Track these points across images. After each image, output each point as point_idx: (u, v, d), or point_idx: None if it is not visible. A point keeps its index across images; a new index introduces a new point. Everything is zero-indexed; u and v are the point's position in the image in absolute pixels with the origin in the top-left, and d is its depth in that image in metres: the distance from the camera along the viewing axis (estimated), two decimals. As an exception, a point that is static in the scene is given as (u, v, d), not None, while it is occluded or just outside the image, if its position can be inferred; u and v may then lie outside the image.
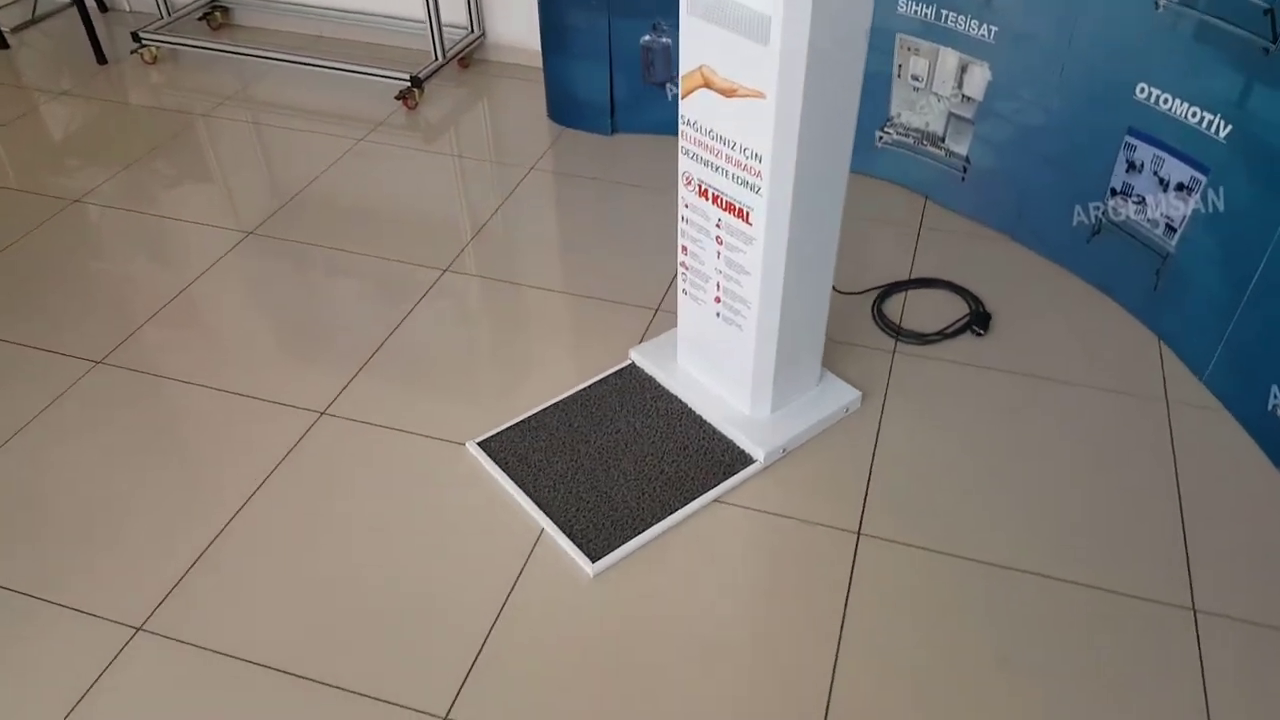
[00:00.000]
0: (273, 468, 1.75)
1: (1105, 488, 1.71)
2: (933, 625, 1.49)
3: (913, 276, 2.23)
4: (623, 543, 1.60)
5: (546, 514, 1.65)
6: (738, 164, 1.51)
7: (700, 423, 1.83)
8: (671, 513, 1.66)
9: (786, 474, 1.74)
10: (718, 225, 1.64)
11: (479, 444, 1.79)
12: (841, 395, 1.86)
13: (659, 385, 1.91)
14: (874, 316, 2.11)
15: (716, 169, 1.56)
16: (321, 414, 1.87)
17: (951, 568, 1.57)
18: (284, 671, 1.42)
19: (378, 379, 1.95)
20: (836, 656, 1.44)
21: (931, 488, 1.71)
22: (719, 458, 1.76)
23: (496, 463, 1.75)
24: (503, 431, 1.82)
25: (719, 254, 1.67)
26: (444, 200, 2.54)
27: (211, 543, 1.62)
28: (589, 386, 1.92)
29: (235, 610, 1.51)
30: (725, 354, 1.79)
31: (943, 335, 2.05)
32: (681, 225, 1.73)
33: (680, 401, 1.87)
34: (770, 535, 1.63)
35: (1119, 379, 1.95)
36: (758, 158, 1.47)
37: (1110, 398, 1.90)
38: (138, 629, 1.48)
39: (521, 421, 1.84)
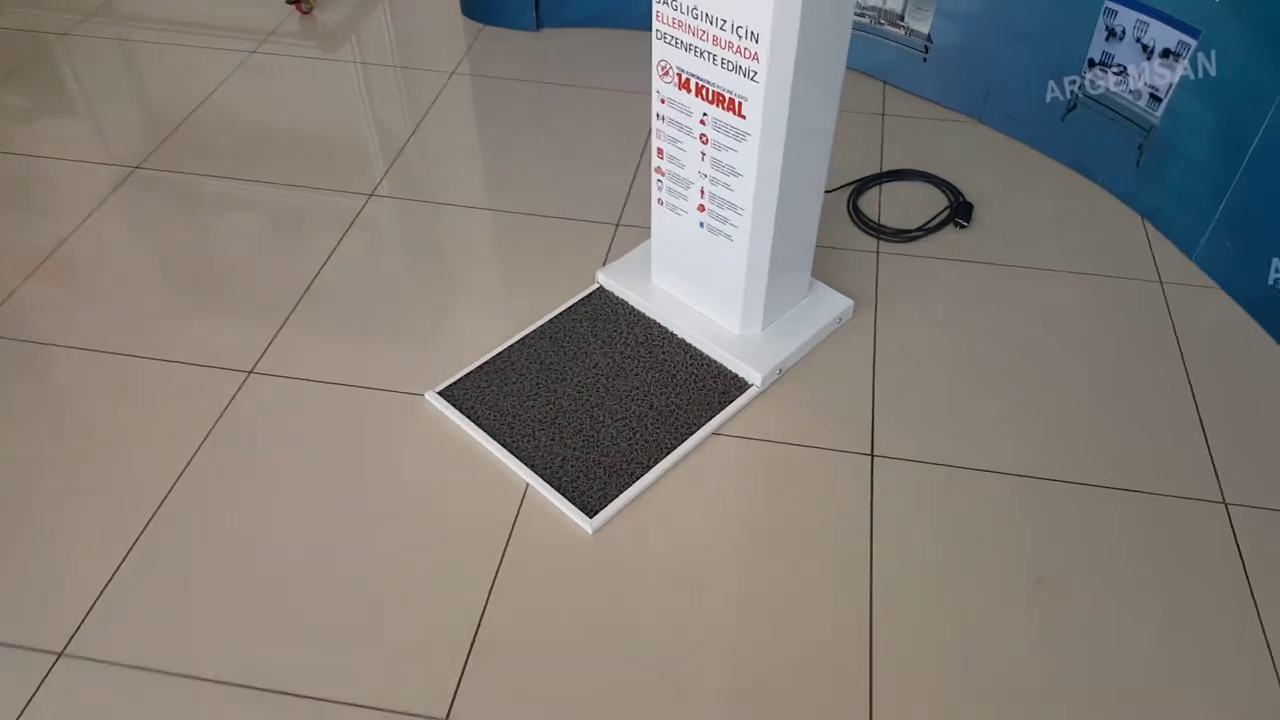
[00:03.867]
0: (198, 445, 1.51)
1: (1115, 381, 1.62)
2: (964, 546, 1.38)
3: (885, 169, 2.07)
4: (619, 492, 1.43)
5: (529, 467, 1.47)
6: (729, 46, 1.30)
7: (685, 348, 1.65)
8: (668, 452, 1.49)
9: (785, 397, 1.59)
10: (702, 121, 1.43)
11: (439, 394, 1.58)
12: (833, 305, 1.71)
13: (633, 309, 1.72)
14: (850, 215, 1.95)
15: (702, 54, 1.34)
16: (249, 374, 1.62)
17: (973, 482, 1.46)
18: (245, 686, 1.21)
19: (310, 327, 1.70)
20: (871, 590, 1.32)
21: (939, 397, 1.59)
22: (711, 385, 1.59)
23: (464, 413, 1.54)
24: (465, 376, 1.60)
25: (704, 155, 1.47)
26: (356, 117, 2.25)
27: (136, 541, 1.38)
28: (555, 317, 1.71)
29: (174, 621, 1.28)
30: (710, 268, 1.60)
31: (925, 230, 1.90)
32: (656, 125, 1.51)
33: (659, 325, 1.69)
34: (778, 466, 1.48)
35: (1110, 264, 1.84)
36: (754, 37, 1.26)
37: (1104, 284, 1.80)
38: (59, 654, 1.25)
39: (485, 363, 1.63)
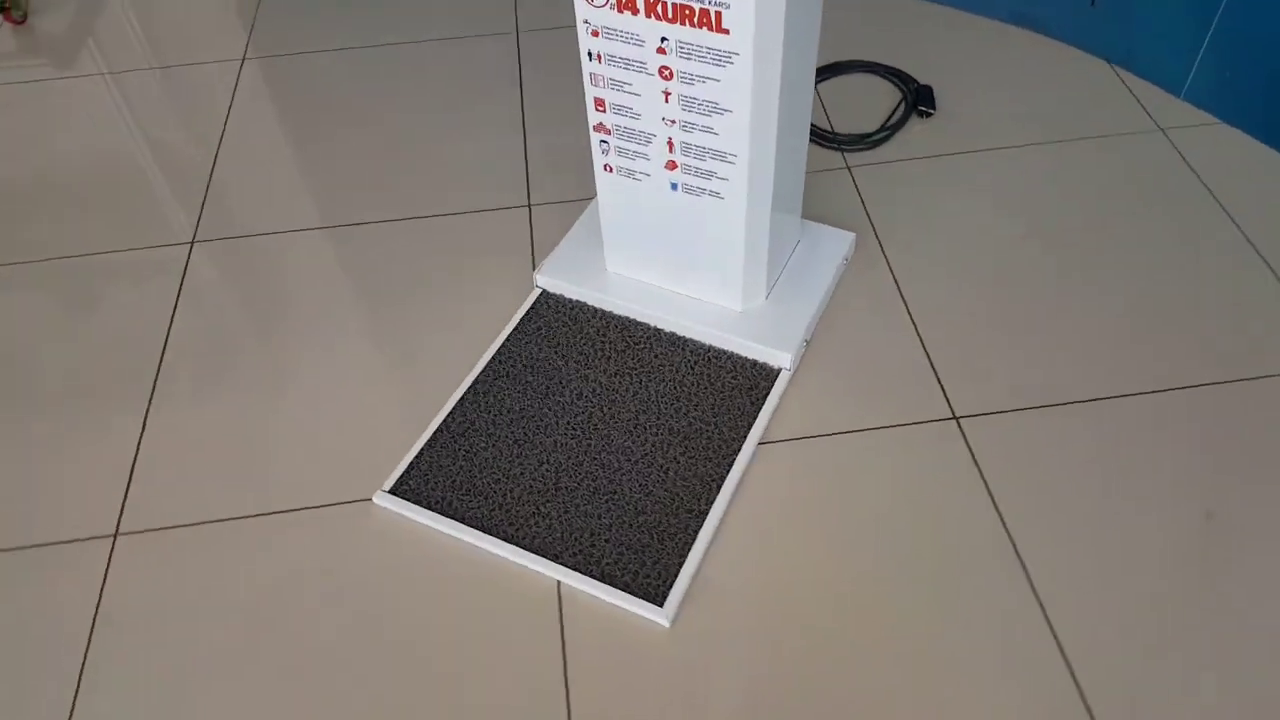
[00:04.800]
0: (84, 646, 1.04)
1: (1169, 253, 1.38)
2: (1103, 493, 1.11)
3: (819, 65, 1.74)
4: (681, 559, 1.08)
5: (551, 558, 1.09)
6: (706, -65, 0.92)
7: (681, 343, 1.29)
8: (717, 487, 1.14)
9: (824, 371, 1.26)
10: (661, 49, 1.05)
11: (391, 491, 1.16)
12: (833, 245, 1.39)
13: (596, 310, 1.34)
14: (796, 130, 1.62)
15: (663, -45, 0.96)
16: (113, 537, 1.14)
17: (1081, 416, 1.20)
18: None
19: (178, 439, 1.23)
20: (1024, 566, 1.04)
21: (992, 326, 1.31)
22: (731, 383, 1.24)
23: (434, 509, 1.14)
24: (417, 458, 1.19)
25: (667, 95, 1.09)
26: (128, 144, 1.70)
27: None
28: (502, 346, 1.31)
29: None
30: (693, 239, 1.24)
31: (888, 129, 1.60)
32: (589, 69, 1.12)
33: (640, 324, 1.32)
34: (854, 463, 1.17)
35: (1102, 122, 1.60)
36: (747, -87, 0.88)
37: (1105, 146, 1.56)
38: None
39: (436, 432, 1.21)
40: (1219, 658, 0.98)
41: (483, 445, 1.20)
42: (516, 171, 1.58)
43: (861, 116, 1.63)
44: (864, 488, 1.14)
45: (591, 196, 1.51)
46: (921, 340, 1.29)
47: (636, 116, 1.13)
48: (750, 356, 1.27)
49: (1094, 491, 1.13)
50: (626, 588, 1.06)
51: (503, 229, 1.49)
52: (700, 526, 1.11)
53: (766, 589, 1.06)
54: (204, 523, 1.15)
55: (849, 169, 1.55)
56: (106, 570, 1.11)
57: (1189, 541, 1.08)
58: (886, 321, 1.32)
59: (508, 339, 1.32)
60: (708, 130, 1.10)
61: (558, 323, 1.33)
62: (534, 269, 1.41)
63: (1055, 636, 1.01)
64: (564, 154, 1.60)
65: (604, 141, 1.19)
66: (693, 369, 1.26)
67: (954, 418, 1.21)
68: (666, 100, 1.10)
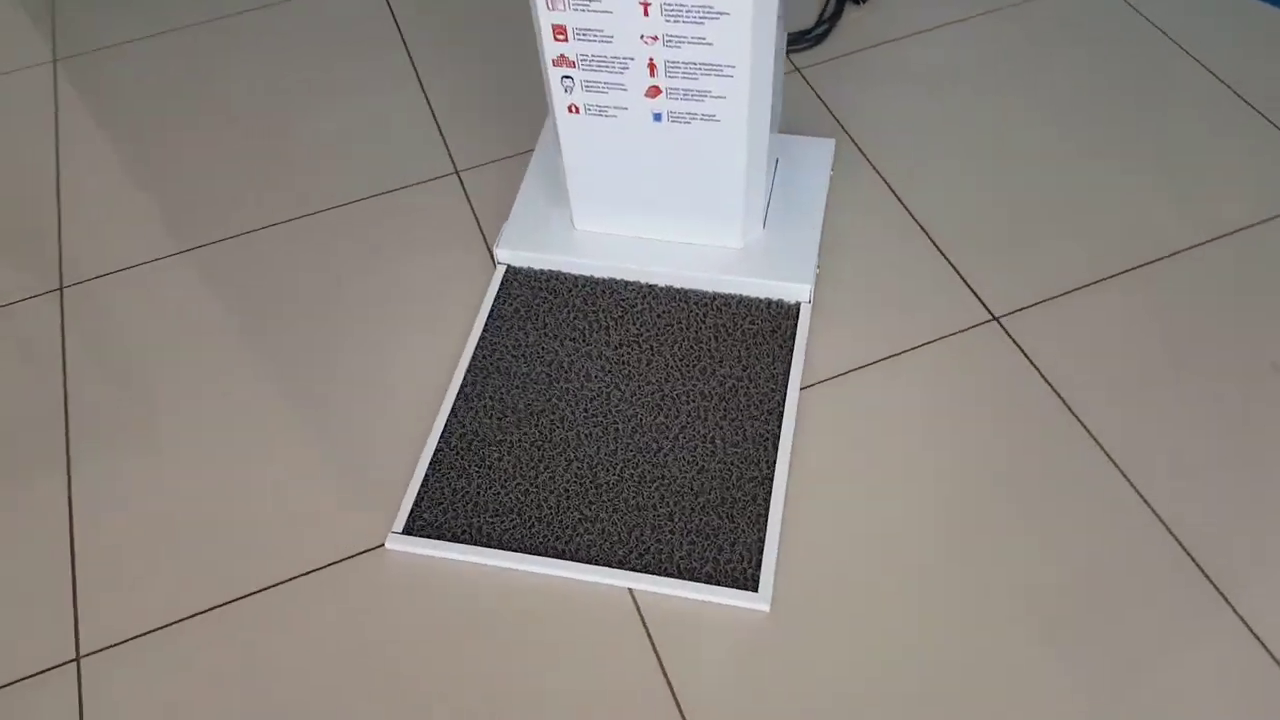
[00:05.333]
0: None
1: (1141, 94, 1.32)
2: (1153, 356, 1.05)
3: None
4: (761, 535, 0.95)
5: (615, 565, 0.94)
6: None
7: (683, 297, 1.15)
8: (775, 447, 1.01)
9: (843, 297, 1.15)
10: (641, -41, 0.88)
11: (405, 531, 0.98)
12: (816, 156, 1.26)
13: (577, 278, 1.17)
14: (727, 41, 1.47)
15: None
16: (77, 661, 0.92)
17: (1108, 295, 1.13)
18: None
19: (122, 529, 1.00)
20: (1110, 458, 0.97)
21: (999, 216, 1.22)
22: (752, 329, 1.11)
23: (463, 540, 0.96)
24: (424, 486, 1.01)
25: (646, 6, 0.92)
26: (-50, 180, 1.39)
27: None
28: (482, 338, 1.13)
29: None
30: (681, 175, 1.08)
31: (827, 22, 1.48)
32: None
33: (629, 284, 1.16)
34: (907, 387, 1.06)
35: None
36: None
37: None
38: None
39: (437, 452, 1.03)
40: (1336, 512, 0.94)
41: (495, 455, 1.02)
42: (427, 136, 1.37)
43: (790, 14, 1.50)
44: (924, 412, 1.04)
45: (528, 149, 1.33)
46: (935, 244, 1.19)
47: (609, 40, 0.96)
48: (763, 296, 1.14)
49: (1154, 360, 1.06)
50: (710, 579, 0.93)
51: (434, 205, 1.28)
52: (769, 493, 0.98)
53: (859, 540, 0.95)
54: (189, 617, 0.94)
55: (799, 71, 1.41)
56: (81, 701, 0.89)
57: (1263, 394, 1.02)
58: (892, 230, 1.21)
59: (485, 330, 1.13)
60: (699, 41, 0.94)
61: (536, 300, 1.16)
62: (489, 244, 1.22)
63: (1151, 508, 0.94)
64: (478, 105, 1.40)
65: (566, 78, 1.01)
66: (704, 322, 1.12)
67: (994, 319, 1.12)
68: (646, 13, 0.93)
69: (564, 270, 1.18)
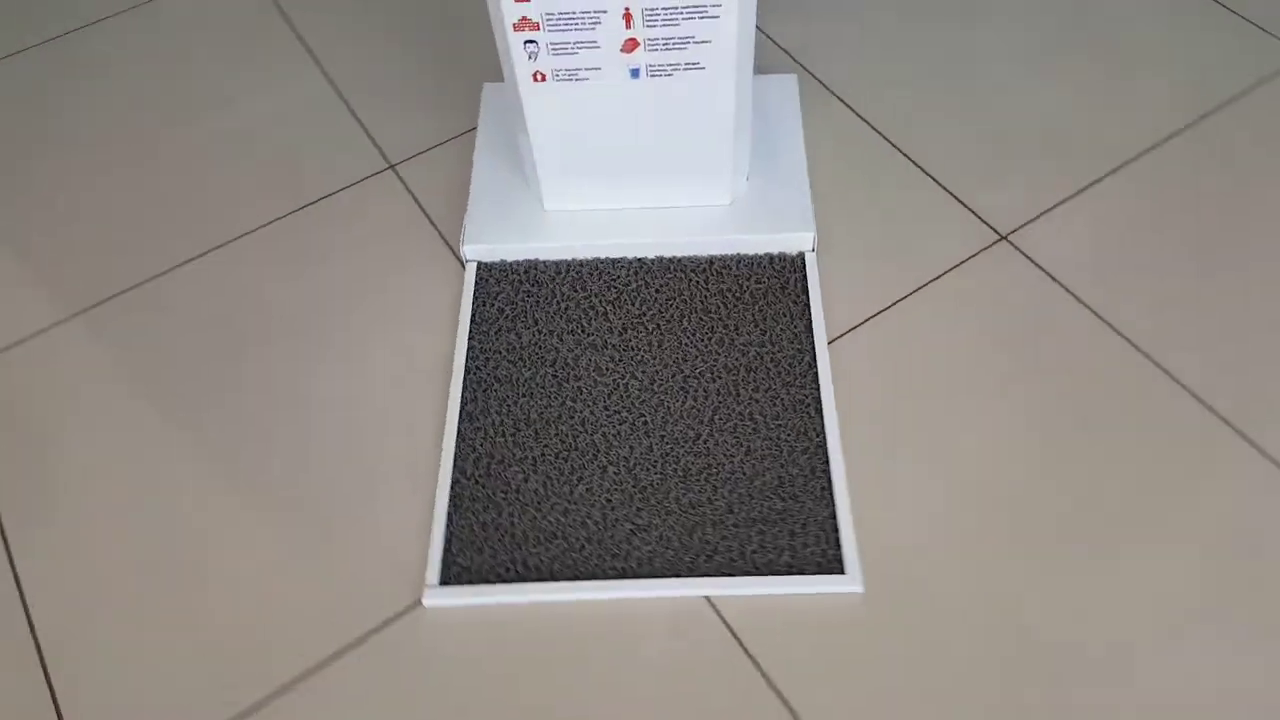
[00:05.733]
0: None
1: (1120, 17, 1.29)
2: (1175, 243, 1.03)
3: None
4: (833, 514, 0.88)
5: (683, 573, 0.85)
6: None
7: (678, 266, 1.05)
8: (819, 410, 0.94)
9: (844, 239, 1.07)
10: (615, -111, 0.77)
11: (442, 583, 0.87)
12: (780, 93, 1.18)
13: (559, 264, 1.06)
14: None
15: None
16: (75, 816, 0.78)
17: (1114, 188, 1.10)
18: None
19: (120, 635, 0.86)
20: (1146, 355, 0.94)
21: (982, 126, 1.17)
22: (759, 288, 1.03)
23: (508, 579, 0.86)
24: (450, 528, 0.89)
25: (621, -47, 0.81)
26: None
27: None
28: (471, 349, 1.01)
29: None
30: (663, 132, 0.98)
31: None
32: None
33: (615, 261, 1.06)
34: (933, 323, 1.00)
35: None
36: None
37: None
38: None
39: (455, 485, 0.92)
40: (1379, 378, 0.94)
41: (520, 476, 0.92)
42: (345, 130, 1.22)
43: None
44: (958, 344, 0.99)
45: (466, 129, 1.20)
46: (921, 169, 1.13)
47: (576, -7, 0.85)
48: (764, 252, 1.05)
49: (1176, 247, 1.03)
50: (791, 569, 0.85)
51: (374, 208, 1.14)
52: (826, 462, 0.91)
53: (933, 490, 0.89)
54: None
55: (734, 7, 1.32)
56: None
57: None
58: (873, 159, 1.14)
59: (471, 337, 1.02)
60: (681, -17, 0.84)
61: (519, 295, 1.04)
62: (450, 242, 1.10)
63: (1197, 398, 0.92)
64: (396, 89, 1.25)
65: (530, 42, 0.89)
66: (708, 289, 1.03)
67: (1002, 238, 1.07)
68: (619, -42, 0.82)
69: (542, 258, 1.07)
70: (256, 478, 0.94)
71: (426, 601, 0.86)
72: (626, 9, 0.86)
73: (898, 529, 0.87)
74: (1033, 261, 1.04)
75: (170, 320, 1.06)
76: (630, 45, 0.89)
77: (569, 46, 0.89)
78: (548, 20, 0.87)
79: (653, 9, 0.86)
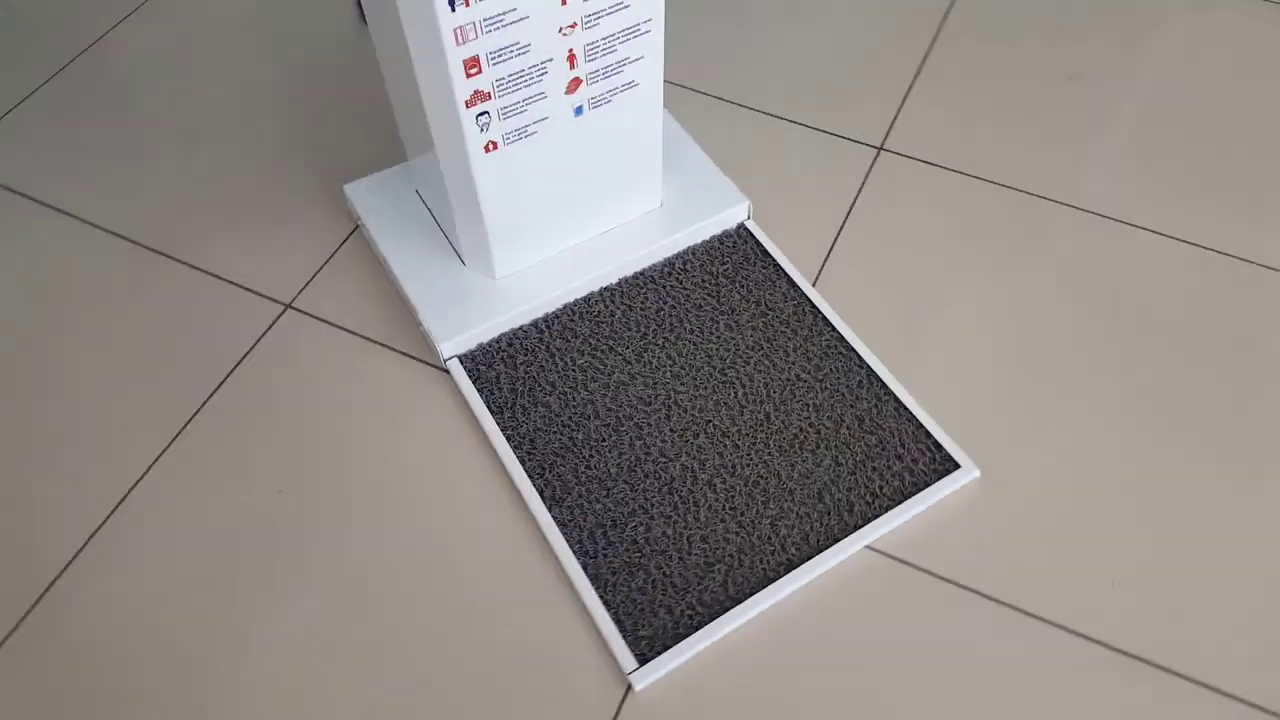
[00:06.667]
0: None
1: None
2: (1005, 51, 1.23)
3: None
4: (919, 425, 0.96)
5: (831, 544, 0.90)
6: None
7: (647, 278, 1.07)
8: (848, 346, 1.01)
9: (763, 191, 1.14)
10: (563, -65, 0.75)
11: (641, 660, 0.83)
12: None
13: (542, 322, 1.03)
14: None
15: None
16: None
17: (932, 76, 1.26)
18: None
19: None
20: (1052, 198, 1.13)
21: (807, 69, 1.28)
22: (726, 269, 1.07)
23: (693, 626, 0.85)
24: (613, 609, 0.86)
25: (565, 1, 0.80)
26: None
27: None
28: (506, 432, 0.96)
29: None
30: (601, 160, 0.98)
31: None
32: (453, 24, 0.76)
33: (588, 299, 1.05)
34: (886, 229, 1.11)
35: None
36: None
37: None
38: None
39: (589, 567, 0.87)
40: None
41: (641, 529, 0.90)
42: (219, 292, 1.07)
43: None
44: (907, 235, 1.10)
45: (341, 237, 1.11)
46: (785, 119, 1.23)
47: (525, 48, 0.82)
48: (711, 235, 1.10)
49: (997, 96, 1.23)
50: (919, 486, 0.93)
51: (303, 350, 1.03)
52: (884, 383, 0.99)
53: (982, 355, 1.00)
54: None
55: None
56: None
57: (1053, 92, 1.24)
58: (737, 123, 1.22)
59: (504, 430, 0.96)
60: (617, 7, 0.84)
61: (519, 369, 1.00)
62: (405, 351, 1.02)
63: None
64: (243, 231, 1.12)
65: (483, 114, 0.85)
66: (683, 287, 1.06)
67: (879, 148, 1.20)
68: (564, 2, 0.80)
69: (519, 324, 1.03)
70: (413, 671, 0.83)
71: (638, 685, 0.82)
72: (570, 50, 0.85)
73: (974, 409, 0.98)
74: (915, 159, 1.18)
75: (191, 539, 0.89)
76: (574, 85, 0.88)
77: (519, 105, 0.86)
78: (498, 85, 0.83)
79: (593, 42, 0.86)
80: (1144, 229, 1.11)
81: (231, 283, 1.08)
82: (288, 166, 1.18)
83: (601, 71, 0.89)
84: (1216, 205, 1.12)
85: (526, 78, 0.84)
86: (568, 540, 0.89)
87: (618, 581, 0.87)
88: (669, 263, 1.08)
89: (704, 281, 1.06)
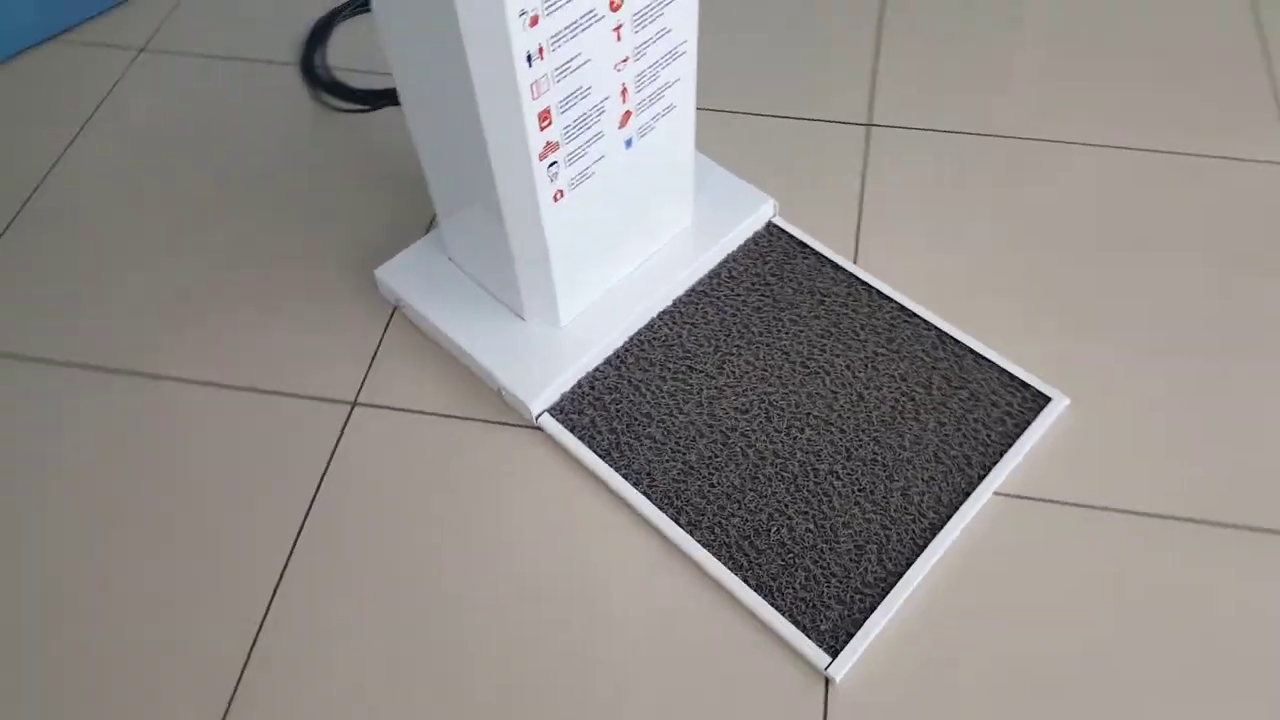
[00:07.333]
0: None
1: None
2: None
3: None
4: (1002, 367, 1.01)
5: (967, 498, 0.93)
6: None
7: (699, 295, 1.08)
8: (914, 314, 1.06)
9: (784, 183, 1.17)
10: (615, 5, 0.77)
11: (831, 656, 0.85)
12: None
13: (611, 365, 1.03)
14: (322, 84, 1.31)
15: None
16: None
17: (902, 30, 1.33)
18: None
19: None
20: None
21: (779, 60, 1.33)
22: (767, 268, 1.10)
23: (872, 604, 0.87)
24: (791, 612, 0.86)
25: (619, 30, 0.81)
26: None
27: None
28: (619, 475, 0.95)
29: None
30: (647, 187, 1.00)
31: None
32: (529, 79, 0.76)
33: (649, 329, 1.06)
34: (906, 199, 1.16)
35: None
36: None
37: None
38: None
39: (755, 581, 0.88)
40: None
41: (786, 530, 0.91)
42: (280, 409, 1.03)
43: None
44: (925, 191, 1.16)
45: (381, 324, 1.08)
46: (790, 117, 1.26)
47: (588, 91, 0.82)
48: (744, 240, 1.12)
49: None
50: (1020, 426, 0.97)
51: (385, 450, 0.99)
52: (954, 339, 1.03)
53: (1042, 293, 1.06)
54: None
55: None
56: None
57: None
58: (719, 127, 1.25)
59: (621, 471, 0.96)
60: (662, 34, 0.86)
61: (612, 411, 1.00)
62: (494, 418, 1.00)
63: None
64: (282, 343, 1.08)
65: (553, 164, 0.85)
66: (737, 296, 1.08)
67: (868, 125, 1.25)
68: (619, 38, 0.81)
69: (594, 366, 1.02)
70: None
71: (836, 676, 0.83)
72: (624, 84, 0.86)
73: (1031, 334, 1.03)
74: (904, 128, 1.24)
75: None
76: (625, 118, 0.89)
77: (582, 148, 0.87)
78: (565, 133, 0.84)
79: (642, 72, 0.87)
80: (1125, 148, 1.20)
81: (290, 395, 1.03)
82: (295, 268, 1.14)
83: (648, 99, 0.90)
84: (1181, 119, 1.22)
85: (589, 120, 0.85)
86: (720, 559, 0.90)
87: (780, 586, 0.88)
88: (714, 274, 1.10)
89: (754, 285, 1.09)
